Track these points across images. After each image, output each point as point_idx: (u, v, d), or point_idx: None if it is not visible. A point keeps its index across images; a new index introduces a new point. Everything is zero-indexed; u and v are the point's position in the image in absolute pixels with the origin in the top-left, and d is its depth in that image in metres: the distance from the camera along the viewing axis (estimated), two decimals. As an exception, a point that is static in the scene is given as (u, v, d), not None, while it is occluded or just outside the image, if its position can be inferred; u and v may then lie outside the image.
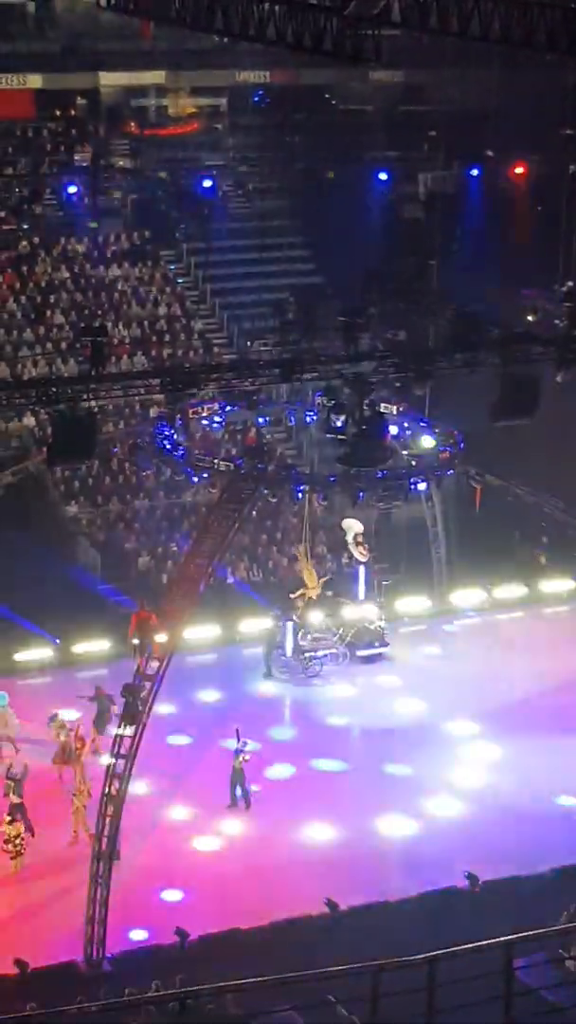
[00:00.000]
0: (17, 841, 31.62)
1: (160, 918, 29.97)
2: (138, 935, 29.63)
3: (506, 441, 36.92)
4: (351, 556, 42.57)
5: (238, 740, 34.11)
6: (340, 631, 41.41)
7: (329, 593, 42.17)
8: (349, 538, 42.18)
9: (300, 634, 40.90)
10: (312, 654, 40.81)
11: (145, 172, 56.97)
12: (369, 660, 41.73)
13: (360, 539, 41.96)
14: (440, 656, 42.43)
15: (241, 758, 33.99)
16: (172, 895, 31.29)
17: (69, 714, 35.96)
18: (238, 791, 34.05)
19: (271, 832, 33.60)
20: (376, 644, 41.94)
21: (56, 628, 40.81)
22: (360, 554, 42.15)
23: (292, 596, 40.81)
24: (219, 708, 38.42)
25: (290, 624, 40.90)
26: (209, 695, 39.06)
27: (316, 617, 41.22)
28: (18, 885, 31.32)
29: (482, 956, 17.47)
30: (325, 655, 40.99)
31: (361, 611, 42.09)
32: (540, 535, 47.14)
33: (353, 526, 42.03)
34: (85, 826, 31.91)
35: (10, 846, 31.59)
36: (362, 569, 42.47)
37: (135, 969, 28.14)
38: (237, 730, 34.34)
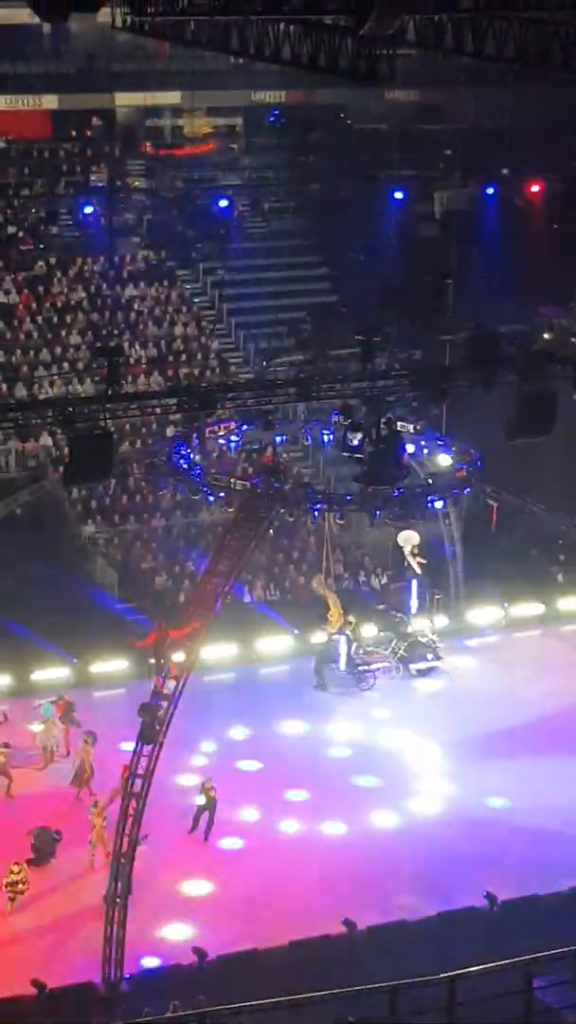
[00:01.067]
0: (20, 887, 31.33)
1: (178, 938, 29.93)
2: (155, 957, 29.59)
3: (523, 459, 36.94)
4: (408, 567, 42.91)
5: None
6: (394, 645, 41.71)
7: (381, 607, 42.73)
8: (406, 550, 42.45)
9: (354, 648, 41.26)
10: (366, 668, 41.17)
11: (161, 192, 57.10)
12: (423, 673, 41.97)
13: (416, 551, 42.24)
14: (457, 674, 42.34)
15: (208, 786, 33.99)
16: (190, 915, 31.24)
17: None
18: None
19: (288, 852, 33.55)
20: (430, 657, 42.24)
21: (73, 647, 40.83)
22: (416, 565, 42.40)
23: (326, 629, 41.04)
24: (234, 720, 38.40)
25: (343, 638, 41.22)
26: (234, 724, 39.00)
27: (370, 631, 41.70)
28: (36, 905, 31.29)
29: (502, 976, 17.44)
30: (379, 668, 41.29)
31: (415, 625, 42.43)
32: (557, 553, 47.07)
33: (411, 538, 42.36)
34: (104, 844, 31.89)
35: (10, 890, 31.29)
36: (415, 583, 42.75)
37: (153, 989, 28.11)
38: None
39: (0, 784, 35.30)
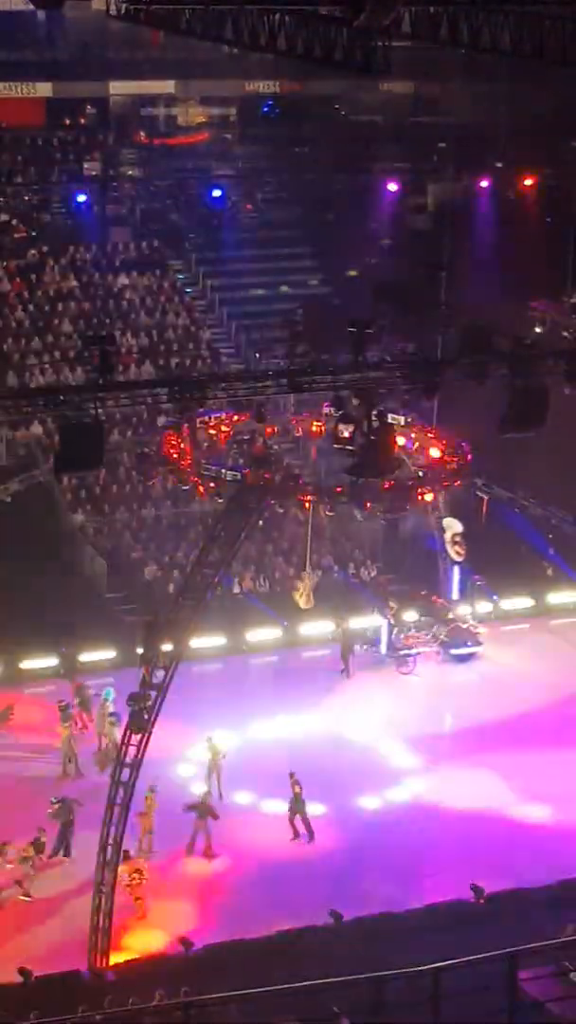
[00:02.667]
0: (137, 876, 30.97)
1: (164, 928, 29.94)
2: (142, 944, 29.59)
3: (514, 453, 36.94)
4: (448, 555, 43.29)
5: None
6: (434, 630, 42.06)
7: (424, 592, 43.01)
8: (447, 537, 42.64)
9: (395, 632, 41.71)
10: (407, 651, 41.58)
11: (154, 181, 56.98)
12: (462, 659, 42.27)
13: (458, 539, 42.43)
14: (446, 667, 42.37)
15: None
16: (177, 905, 31.25)
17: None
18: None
19: (275, 843, 33.57)
20: (469, 643, 42.58)
21: (62, 637, 40.82)
22: (456, 553, 42.63)
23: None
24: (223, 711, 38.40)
25: (384, 622, 41.65)
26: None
27: (411, 616, 42.16)
28: (23, 894, 31.29)
29: (486, 968, 17.47)
30: (419, 653, 41.71)
31: (455, 610, 42.82)
32: (547, 547, 47.05)
33: (453, 525, 42.63)
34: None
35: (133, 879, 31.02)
36: (456, 569, 43.10)
37: (139, 978, 28.12)
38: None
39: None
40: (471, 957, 18.68)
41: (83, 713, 37.33)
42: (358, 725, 38.65)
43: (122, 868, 29.88)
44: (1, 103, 55.19)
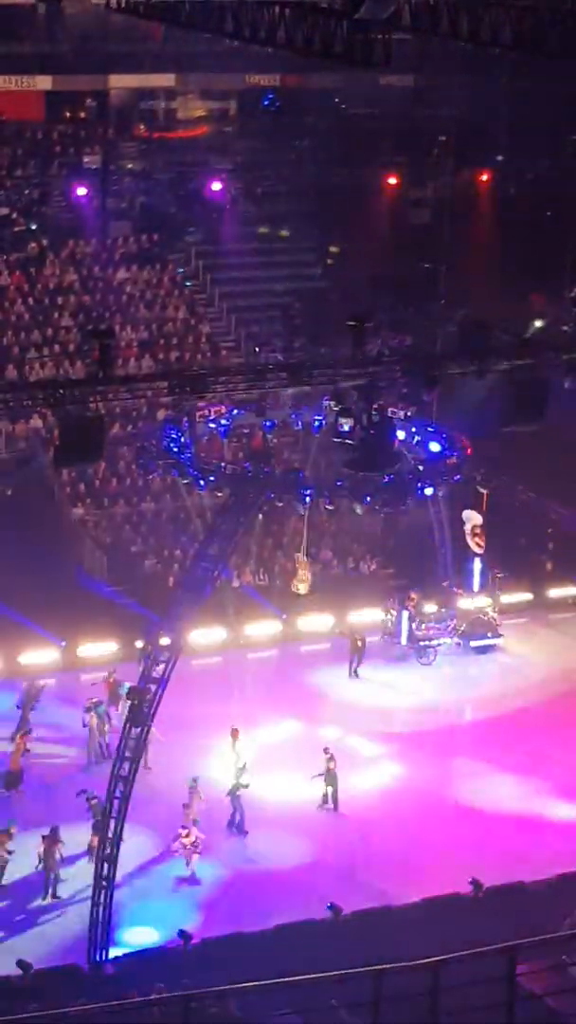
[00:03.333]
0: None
1: (163, 921, 29.96)
2: (141, 937, 29.61)
3: (513, 447, 36.94)
4: (468, 547, 43.55)
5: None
6: (454, 621, 42.36)
7: (445, 583, 43.25)
8: (467, 529, 42.92)
9: (415, 623, 41.98)
10: (427, 643, 41.88)
11: (154, 175, 56.93)
12: (482, 651, 42.52)
13: (478, 530, 42.59)
14: (443, 661, 42.39)
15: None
16: (175, 898, 31.28)
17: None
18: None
19: (274, 836, 33.59)
20: (489, 635, 42.85)
21: (61, 630, 40.84)
22: (476, 545, 42.83)
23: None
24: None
25: (405, 613, 42.01)
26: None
27: (431, 607, 42.47)
28: (22, 887, 31.31)
29: (485, 962, 17.46)
30: (439, 644, 42.01)
31: (475, 602, 43.05)
32: (546, 541, 47.08)
33: (472, 517, 42.82)
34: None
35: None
36: (477, 561, 43.31)
37: (138, 971, 28.14)
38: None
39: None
40: (470, 951, 18.67)
41: (113, 707, 37.06)
42: (362, 717, 38.51)
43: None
44: (1, 96, 55.13)
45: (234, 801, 33.92)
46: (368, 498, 35.11)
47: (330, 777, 34.71)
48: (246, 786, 34.07)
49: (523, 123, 52.85)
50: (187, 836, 32.17)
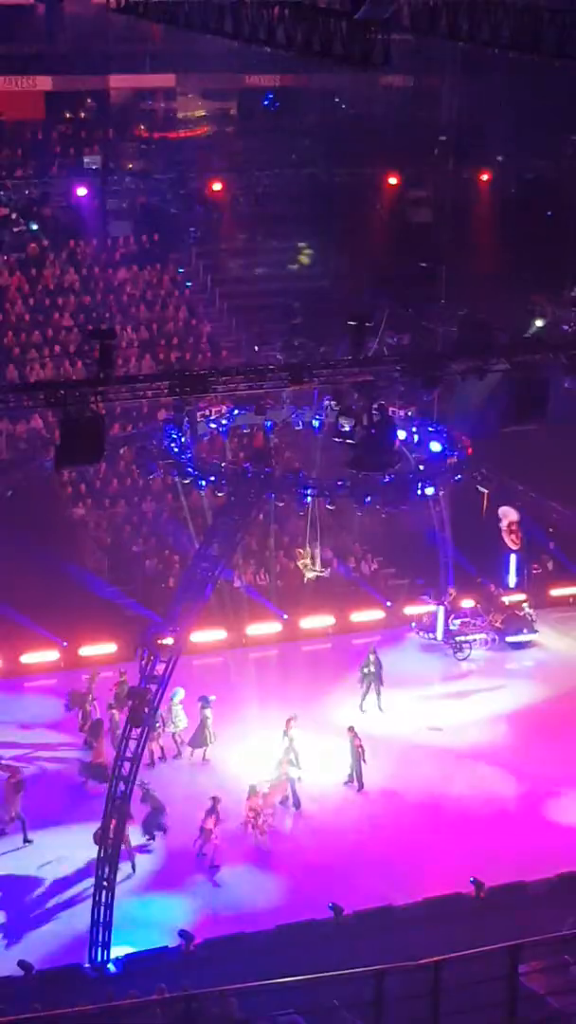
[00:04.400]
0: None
1: (165, 921, 29.96)
2: (143, 938, 29.61)
3: (514, 446, 36.94)
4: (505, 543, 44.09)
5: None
6: (490, 617, 42.63)
7: (480, 579, 43.57)
8: (503, 525, 43.08)
9: (451, 619, 42.28)
10: (463, 638, 42.07)
11: (154, 175, 56.93)
12: (518, 646, 42.73)
13: (514, 527, 42.73)
14: (444, 661, 42.40)
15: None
16: (177, 899, 31.27)
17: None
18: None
19: (275, 837, 33.58)
20: (525, 631, 43.11)
21: (63, 630, 40.85)
22: (512, 542, 43.00)
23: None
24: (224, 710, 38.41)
25: (441, 608, 42.16)
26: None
27: (468, 602, 42.67)
28: (24, 887, 31.32)
29: (487, 961, 17.48)
30: (475, 640, 42.20)
31: (512, 598, 43.34)
32: (547, 540, 47.09)
33: (508, 513, 43.00)
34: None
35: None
36: (514, 557, 43.59)
37: (140, 972, 28.16)
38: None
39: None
40: (471, 951, 18.69)
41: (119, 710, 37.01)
42: (357, 718, 38.54)
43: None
44: (1, 96, 55.13)
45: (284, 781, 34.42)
46: (369, 498, 35.12)
47: (354, 754, 35.10)
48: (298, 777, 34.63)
49: (523, 123, 52.80)
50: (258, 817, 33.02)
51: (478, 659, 42.51)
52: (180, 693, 36.29)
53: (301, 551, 40.72)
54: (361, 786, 35.28)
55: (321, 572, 40.59)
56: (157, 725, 35.02)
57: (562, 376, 30.44)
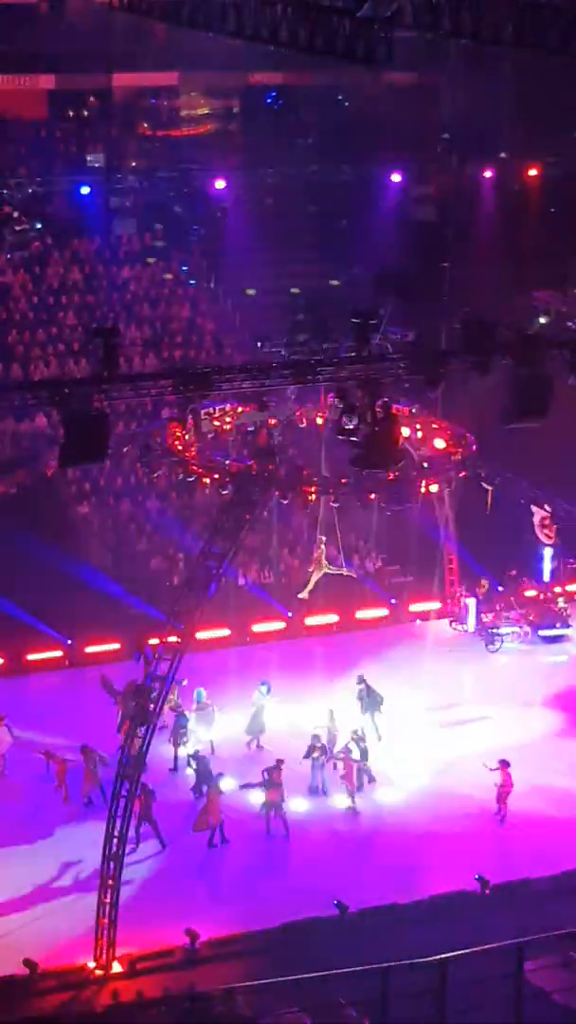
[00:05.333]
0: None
1: (171, 919, 29.96)
2: (148, 936, 29.61)
3: (518, 443, 36.86)
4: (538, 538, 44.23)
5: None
6: (524, 611, 42.85)
7: (514, 572, 43.92)
8: (535, 520, 43.33)
9: (484, 610, 42.70)
10: (495, 630, 42.25)
11: (157, 173, 56.92)
12: (551, 640, 42.89)
13: (547, 521, 42.85)
14: (448, 656, 42.39)
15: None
16: (182, 896, 31.26)
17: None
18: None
19: (281, 834, 33.58)
20: (558, 625, 43.20)
21: (67, 628, 40.86)
22: (546, 536, 43.12)
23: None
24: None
25: (472, 600, 42.37)
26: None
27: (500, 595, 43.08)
28: (29, 886, 31.32)
29: (493, 959, 17.51)
30: (508, 633, 42.45)
31: (545, 592, 43.59)
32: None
33: (541, 508, 43.30)
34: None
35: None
36: (548, 551, 43.81)
37: (145, 969, 28.17)
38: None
39: None
40: (477, 948, 18.73)
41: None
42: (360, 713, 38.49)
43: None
44: (4, 95, 55.12)
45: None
46: (372, 495, 35.09)
47: (370, 703, 36.06)
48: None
49: (526, 120, 52.78)
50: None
51: (509, 651, 42.70)
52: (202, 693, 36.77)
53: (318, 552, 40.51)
54: (380, 736, 35.87)
55: (338, 571, 40.25)
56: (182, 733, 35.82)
57: (565, 373, 30.38)
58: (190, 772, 34.89)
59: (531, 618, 43.27)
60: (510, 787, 33.75)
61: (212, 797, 33.11)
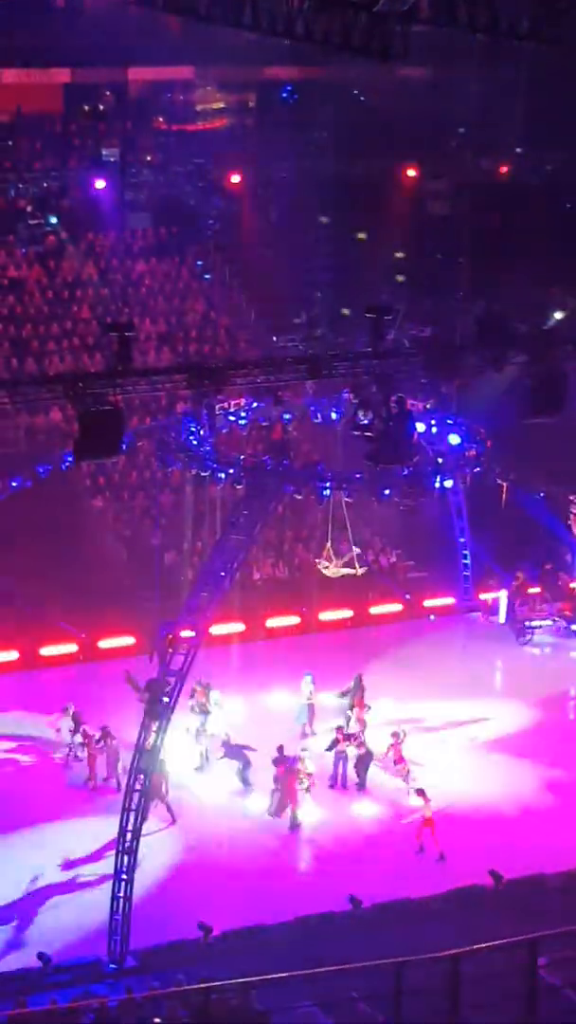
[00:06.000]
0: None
1: (184, 913, 29.99)
2: (161, 930, 29.64)
3: (533, 438, 36.87)
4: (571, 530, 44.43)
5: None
6: (559, 604, 42.95)
7: (549, 566, 44.00)
8: (574, 511, 43.22)
9: (518, 602, 42.75)
10: (528, 622, 42.25)
11: (172, 167, 56.90)
12: None
13: None
14: (464, 651, 42.37)
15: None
16: (196, 890, 31.29)
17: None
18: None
19: (294, 829, 33.60)
20: None
21: (82, 623, 40.90)
22: None
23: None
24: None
25: (504, 592, 42.58)
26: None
27: (533, 588, 42.98)
28: (43, 879, 31.35)
29: (506, 954, 17.48)
30: (540, 625, 42.46)
31: None
32: (566, 533, 46.99)
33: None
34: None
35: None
36: None
37: (158, 964, 28.19)
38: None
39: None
40: (490, 943, 18.70)
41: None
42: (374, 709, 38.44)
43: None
44: (19, 89, 55.12)
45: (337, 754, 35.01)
46: (387, 491, 35.08)
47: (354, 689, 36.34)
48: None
49: (542, 114, 52.68)
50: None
51: (541, 644, 42.81)
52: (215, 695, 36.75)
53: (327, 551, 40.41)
54: (344, 785, 35.12)
55: (350, 571, 39.96)
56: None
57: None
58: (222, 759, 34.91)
59: (566, 612, 43.19)
60: (428, 818, 32.39)
61: (288, 781, 33.40)
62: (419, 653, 41.86)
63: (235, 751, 34.78)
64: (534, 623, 42.86)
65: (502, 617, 43.27)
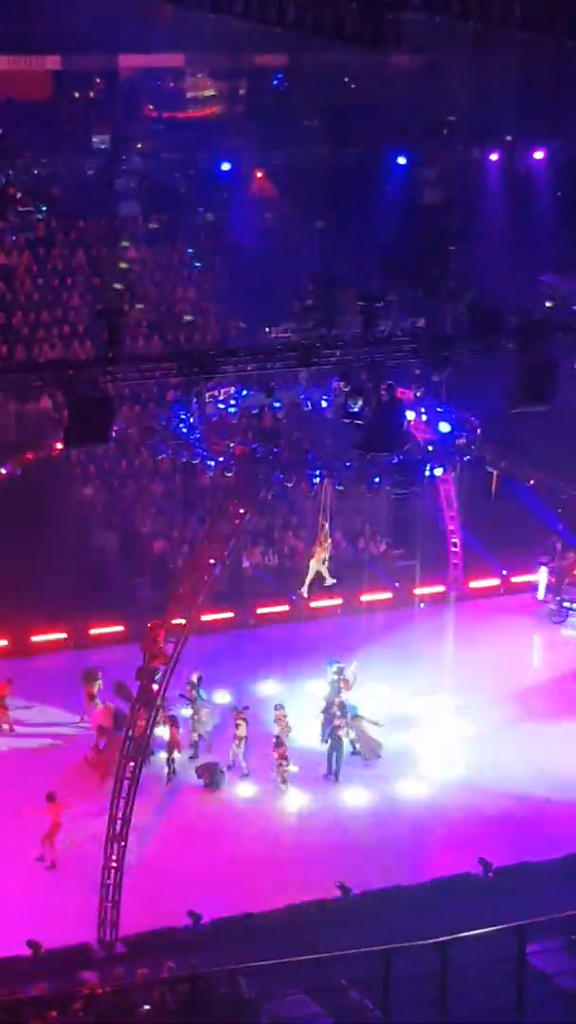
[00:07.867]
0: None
1: (174, 900, 30.02)
2: (151, 917, 29.66)
3: (523, 428, 36.88)
4: None
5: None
6: None
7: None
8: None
9: (557, 579, 42.83)
10: (567, 600, 42.53)
11: (163, 155, 56.81)
12: None
13: None
14: (455, 640, 42.37)
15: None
16: (185, 878, 31.32)
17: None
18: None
19: (285, 816, 33.65)
20: None
21: (71, 611, 40.88)
22: None
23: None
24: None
25: (544, 568, 42.76)
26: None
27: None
28: (33, 866, 31.37)
29: (495, 941, 17.55)
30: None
31: None
32: (556, 521, 47.02)
33: None
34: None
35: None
36: None
37: (148, 951, 28.23)
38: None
39: None
40: (480, 931, 18.77)
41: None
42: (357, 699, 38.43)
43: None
44: (9, 76, 55.03)
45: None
46: (377, 479, 35.06)
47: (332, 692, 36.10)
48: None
49: (533, 103, 52.67)
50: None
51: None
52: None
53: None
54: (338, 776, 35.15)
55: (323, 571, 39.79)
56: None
57: (571, 357, 30.37)
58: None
59: None
60: (56, 826, 31.41)
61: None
62: (408, 640, 41.85)
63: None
64: (573, 606, 42.81)
65: (541, 593, 43.25)
